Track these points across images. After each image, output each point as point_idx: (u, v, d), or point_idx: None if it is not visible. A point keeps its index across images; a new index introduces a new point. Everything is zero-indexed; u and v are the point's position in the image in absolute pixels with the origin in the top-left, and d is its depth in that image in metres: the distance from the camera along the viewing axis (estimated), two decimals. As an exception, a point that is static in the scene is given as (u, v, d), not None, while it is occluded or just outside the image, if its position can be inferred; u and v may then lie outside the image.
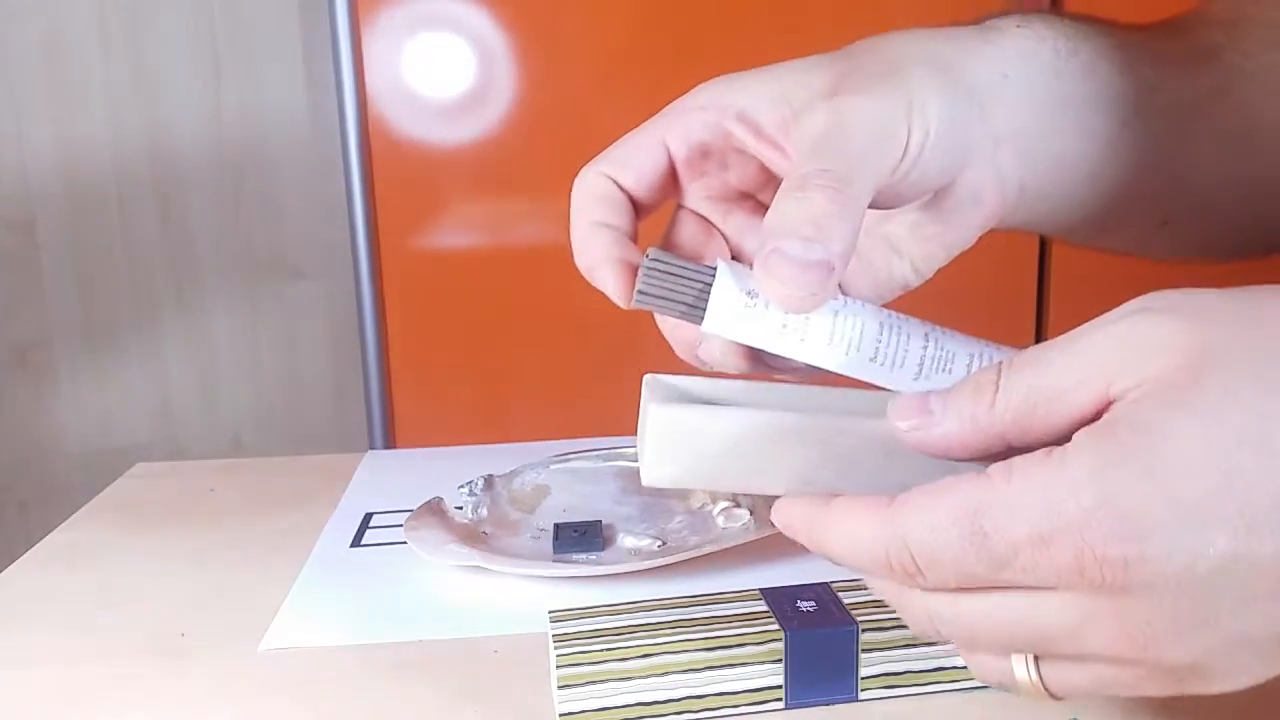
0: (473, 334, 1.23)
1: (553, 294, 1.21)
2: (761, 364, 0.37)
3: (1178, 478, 0.26)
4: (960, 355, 0.35)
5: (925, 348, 0.35)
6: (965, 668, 0.41)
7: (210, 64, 1.37)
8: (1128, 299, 0.30)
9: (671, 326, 0.38)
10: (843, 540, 0.30)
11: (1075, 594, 0.28)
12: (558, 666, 0.40)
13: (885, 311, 0.36)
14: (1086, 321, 0.30)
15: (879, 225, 0.39)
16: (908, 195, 0.36)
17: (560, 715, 0.40)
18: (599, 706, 0.40)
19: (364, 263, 1.21)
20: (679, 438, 0.34)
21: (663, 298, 0.35)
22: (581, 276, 0.38)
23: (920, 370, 0.35)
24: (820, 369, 0.36)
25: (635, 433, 0.36)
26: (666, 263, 0.35)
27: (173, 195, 1.40)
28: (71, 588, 0.55)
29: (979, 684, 0.41)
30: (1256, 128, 0.45)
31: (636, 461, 0.60)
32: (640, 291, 0.35)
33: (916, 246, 0.38)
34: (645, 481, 0.35)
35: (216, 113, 1.38)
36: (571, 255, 0.39)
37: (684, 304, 0.35)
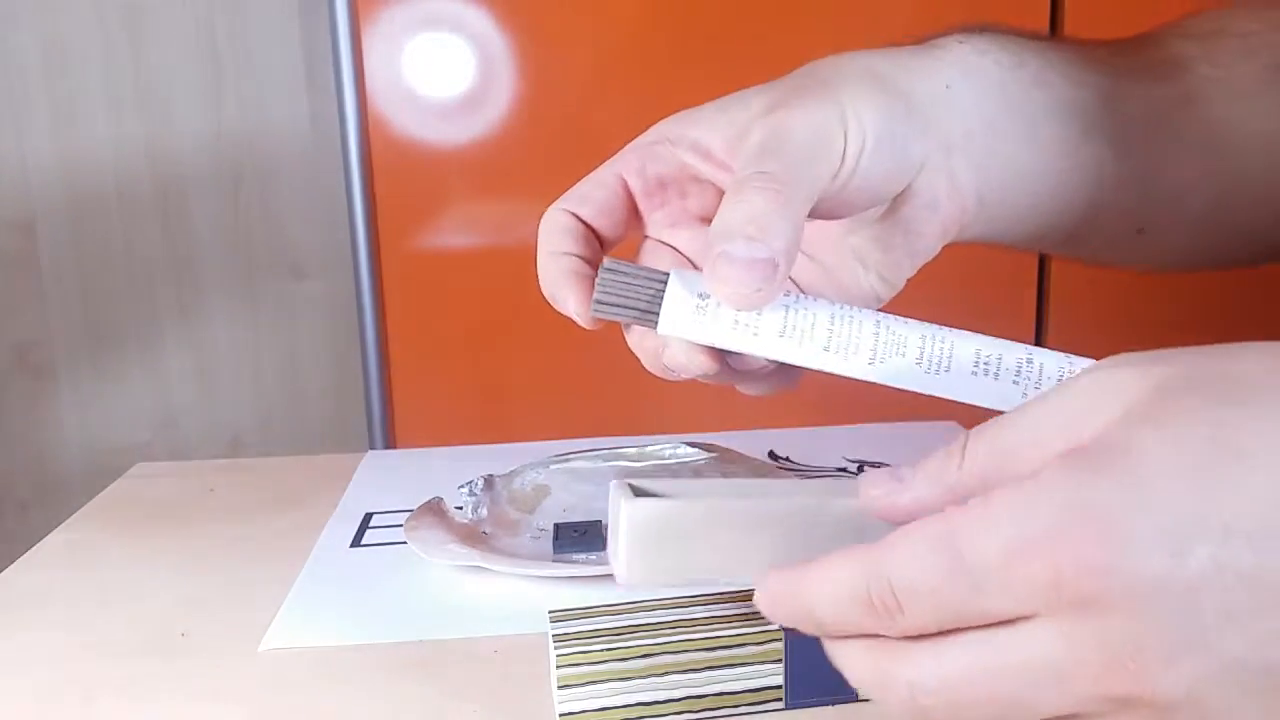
0: (473, 334, 1.23)
1: (553, 294, 1.21)
2: (726, 366, 0.38)
3: (1151, 483, 0.26)
4: (912, 338, 0.36)
5: (877, 334, 0.36)
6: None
7: (210, 64, 1.37)
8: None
9: (637, 338, 0.39)
10: (824, 587, 0.30)
11: (1056, 620, 0.27)
12: (557, 666, 0.40)
13: (837, 304, 0.37)
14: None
15: (843, 240, 0.40)
16: (856, 203, 0.38)
17: (560, 715, 0.40)
18: (599, 706, 0.40)
19: (364, 263, 1.21)
20: (653, 533, 0.34)
21: (619, 305, 0.36)
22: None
23: (874, 355, 0.36)
24: (778, 362, 0.37)
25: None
26: (621, 271, 0.36)
27: (173, 195, 1.40)
28: (72, 587, 0.55)
29: None
30: (1228, 136, 0.45)
31: (636, 461, 0.61)
32: (597, 300, 0.36)
33: (881, 257, 0.40)
34: (621, 582, 0.35)
35: (217, 113, 1.38)
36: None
37: (639, 309, 0.36)
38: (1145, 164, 0.44)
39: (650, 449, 0.62)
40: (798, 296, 0.36)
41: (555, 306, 0.39)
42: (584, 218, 0.40)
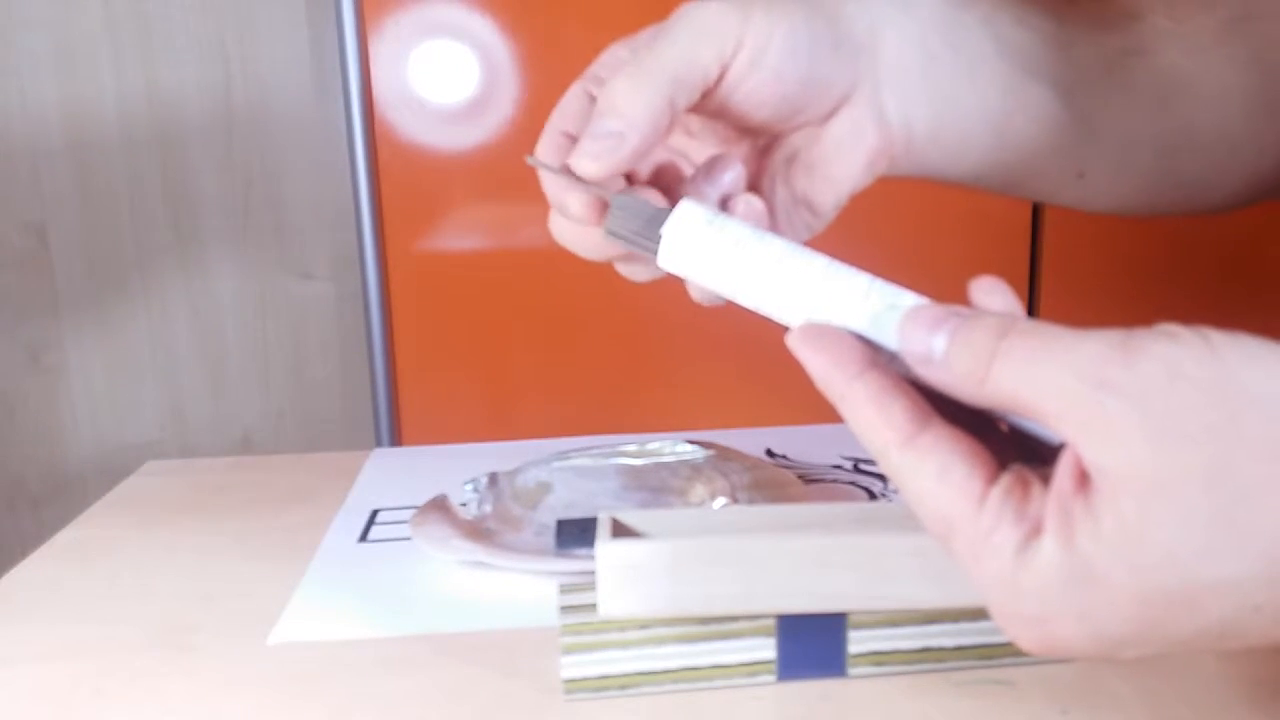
0: (477, 335, 1.24)
1: (556, 295, 1.22)
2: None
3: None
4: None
5: (868, 294, 0.33)
6: (953, 649, 0.42)
7: (219, 67, 1.38)
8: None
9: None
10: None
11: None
12: (563, 634, 0.41)
13: (832, 261, 0.35)
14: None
15: (777, 165, 0.41)
16: (764, 106, 0.38)
17: (564, 680, 0.42)
18: (600, 674, 0.42)
19: (371, 265, 1.21)
20: (627, 572, 0.40)
21: (626, 233, 0.37)
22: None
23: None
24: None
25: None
26: (629, 199, 0.37)
27: (183, 198, 1.41)
28: (83, 583, 0.56)
29: (966, 665, 0.43)
30: (1178, 87, 0.45)
31: (636, 459, 0.61)
32: (608, 229, 0.37)
33: (807, 184, 0.41)
34: (602, 616, 0.41)
35: (226, 117, 1.39)
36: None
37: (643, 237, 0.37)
38: (1089, 110, 0.44)
39: (650, 446, 0.63)
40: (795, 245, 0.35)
41: (564, 214, 0.39)
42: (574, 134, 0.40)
